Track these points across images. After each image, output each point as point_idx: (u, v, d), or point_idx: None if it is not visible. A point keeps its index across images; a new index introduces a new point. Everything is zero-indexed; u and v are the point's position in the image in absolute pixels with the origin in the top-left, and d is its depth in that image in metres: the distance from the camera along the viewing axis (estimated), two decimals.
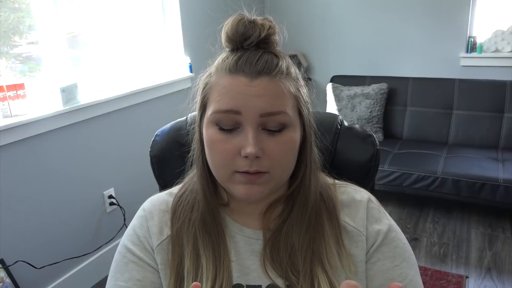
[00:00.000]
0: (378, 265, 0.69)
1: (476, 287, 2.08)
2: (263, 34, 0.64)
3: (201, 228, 0.69)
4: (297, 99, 0.66)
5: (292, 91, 0.65)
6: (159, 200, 0.75)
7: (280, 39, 0.68)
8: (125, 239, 0.73)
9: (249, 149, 0.60)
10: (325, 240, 0.68)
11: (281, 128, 0.63)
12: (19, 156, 1.81)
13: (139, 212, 0.75)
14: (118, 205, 2.30)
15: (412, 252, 0.72)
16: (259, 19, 0.65)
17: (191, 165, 0.75)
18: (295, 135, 0.65)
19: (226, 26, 0.65)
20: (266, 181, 0.64)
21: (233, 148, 0.62)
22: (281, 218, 0.70)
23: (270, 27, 0.65)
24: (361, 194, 0.74)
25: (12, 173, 1.78)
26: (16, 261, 1.81)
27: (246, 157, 0.61)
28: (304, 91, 0.69)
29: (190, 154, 0.74)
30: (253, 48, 0.65)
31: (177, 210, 0.72)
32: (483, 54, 3.05)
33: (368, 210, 0.72)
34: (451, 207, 2.83)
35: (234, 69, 0.63)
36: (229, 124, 0.63)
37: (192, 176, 0.75)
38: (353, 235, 0.70)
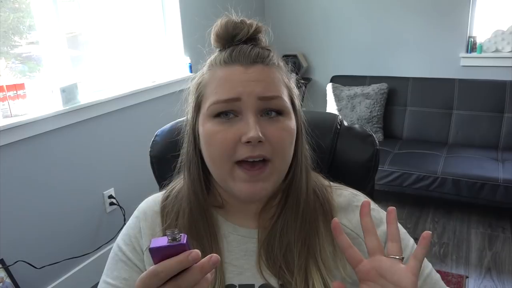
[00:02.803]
0: None
1: (476, 287, 2.08)
2: (251, 31, 0.67)
3: (188, 234, 0.68)
4: (289, 89, 0.69)
5: (285, 81, 0.68)
6: (154, 201, 0.76)
7: (266, 40, 0.71)
8: (120, 238, 0.74)
9: (252, 133, 0.60)
10: (319, 240, 0.68)
11: (279, 113, 0.65)
12: (19, 156, 1.81)
13: (134, 213, 0.76)
14: (118, 205, 2.30)
15: None
16: (246, 19, 0.69)
17: (178, 172, 0.74)
18: (292, 123, 0.67)
19: (215, 27, 0.68)
20: (269, 174, 0.63)
21: (233, 136, 0.62)
22: (275, 215, 0.70)
23: (257, 25, 0.69)
24: (358, 198, 0.74)
25: (12, 173, 1.78)
26: (16, 261, 1.80)
27: (248, 142, 0.61)
28: (293, 85, 0.71)
29: (179, 160, 0.73)
30: (243, 43, 0.68)
31: (163, 211, 0.73)
32: (483, 54, 3.05)
33: None
34: (451, 207, 2.82)
35: (229, 60, 0.65)
36: (228, 113, 0.63)
37: (177, 181, 0.75)
38: (351, 237, 0.68)
